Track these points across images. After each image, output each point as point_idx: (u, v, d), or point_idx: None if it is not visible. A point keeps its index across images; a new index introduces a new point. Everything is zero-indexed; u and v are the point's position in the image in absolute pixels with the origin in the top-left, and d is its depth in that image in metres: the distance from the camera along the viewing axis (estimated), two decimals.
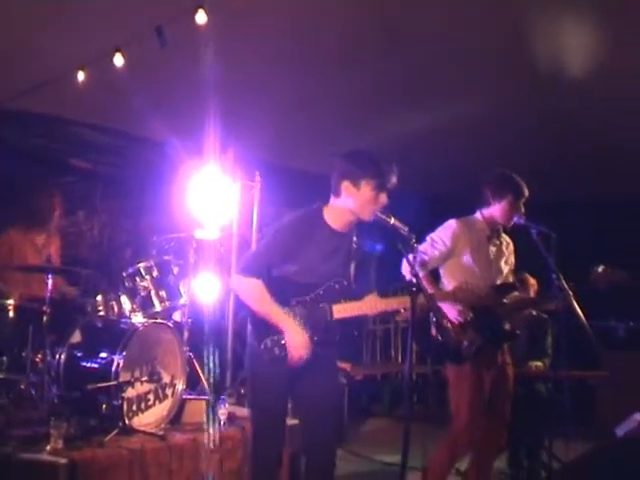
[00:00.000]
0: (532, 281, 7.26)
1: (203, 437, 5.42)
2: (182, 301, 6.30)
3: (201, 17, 5.51)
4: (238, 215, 7.17)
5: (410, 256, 4.17)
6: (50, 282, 5.72)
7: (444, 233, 5.30)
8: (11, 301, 5.76)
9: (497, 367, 5.34)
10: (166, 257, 6.37)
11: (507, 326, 5.32)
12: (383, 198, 4.25)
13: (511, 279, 5.57)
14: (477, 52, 6.56)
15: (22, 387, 5.51)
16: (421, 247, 5.17)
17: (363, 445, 7.34)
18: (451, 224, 5.32)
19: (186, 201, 6.72)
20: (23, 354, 5.58)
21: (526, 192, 5.33)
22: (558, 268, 5.14)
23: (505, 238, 5.56)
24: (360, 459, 7.24)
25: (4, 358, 5.56)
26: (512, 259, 5.60)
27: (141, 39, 5.73)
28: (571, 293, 5.07)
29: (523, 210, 5.34)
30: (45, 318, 5.60)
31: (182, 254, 6.54)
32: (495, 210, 5.34)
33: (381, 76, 7.04)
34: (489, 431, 5.30)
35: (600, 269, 5.25)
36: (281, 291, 4.21)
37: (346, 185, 4.22)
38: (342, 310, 4.28)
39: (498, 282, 5.41)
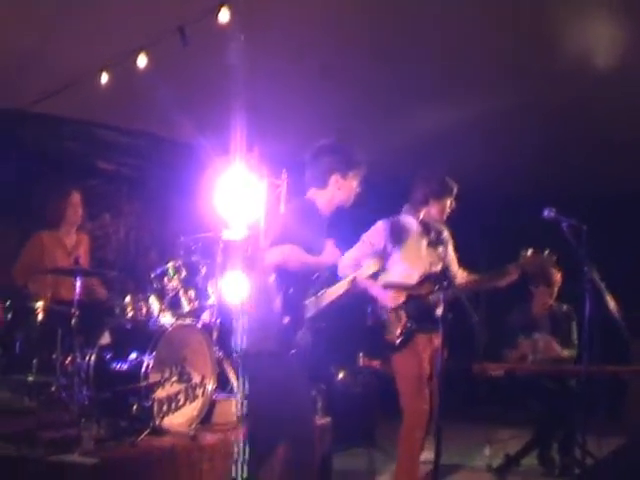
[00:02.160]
0: (558, 276, 7.18)
1: (234, 437, 5.40)
2: (210, 301, 6.29)
3: (224, 15, 5.55)
4: (265, 214, 7.13)
5: (440, 248, 4.29)
6: (78, 284, 5.72)
7: (373, 234, 5.52)
8: (40, 304, 5.76)
9: (433, 349, 5.47)
10: (193, 257, 6.36)
11: (439, 312, 5.32)
12: (359, 187, 4.69)
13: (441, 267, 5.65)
14: (497, 50, 6.55)
15: (52, 389, 5.50)
16: (354, 247, 5.49)
17: (395, 444, 7.26)
18: (380, 225, 5.53)
19: (212, 201, 6.69)
20: (53, 356, 5.59)
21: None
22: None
23: (439, 227, 5.70)
24: (393, 458, 7.17)
25: (34, 361, 5.56)
26: (449, 248, 5.71)
27: (165, 39, 5.73)
28: (603, 285, 5.05)
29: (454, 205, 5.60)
30: (74, 320, 5.59)
31: (209, 254, 6.52)
32: (432, 209, 5.58)
33: (412, 70, 6.99)
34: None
35: (529, 252, 5.54)
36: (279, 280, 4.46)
37: (336, 178, 4.61)
38: (327, 297, 4.60)
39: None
